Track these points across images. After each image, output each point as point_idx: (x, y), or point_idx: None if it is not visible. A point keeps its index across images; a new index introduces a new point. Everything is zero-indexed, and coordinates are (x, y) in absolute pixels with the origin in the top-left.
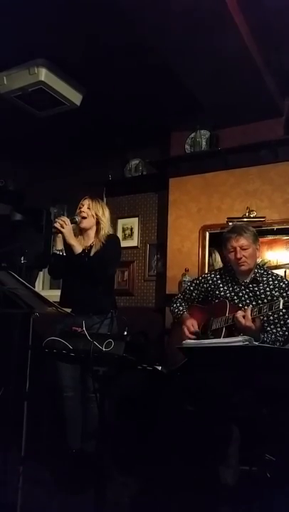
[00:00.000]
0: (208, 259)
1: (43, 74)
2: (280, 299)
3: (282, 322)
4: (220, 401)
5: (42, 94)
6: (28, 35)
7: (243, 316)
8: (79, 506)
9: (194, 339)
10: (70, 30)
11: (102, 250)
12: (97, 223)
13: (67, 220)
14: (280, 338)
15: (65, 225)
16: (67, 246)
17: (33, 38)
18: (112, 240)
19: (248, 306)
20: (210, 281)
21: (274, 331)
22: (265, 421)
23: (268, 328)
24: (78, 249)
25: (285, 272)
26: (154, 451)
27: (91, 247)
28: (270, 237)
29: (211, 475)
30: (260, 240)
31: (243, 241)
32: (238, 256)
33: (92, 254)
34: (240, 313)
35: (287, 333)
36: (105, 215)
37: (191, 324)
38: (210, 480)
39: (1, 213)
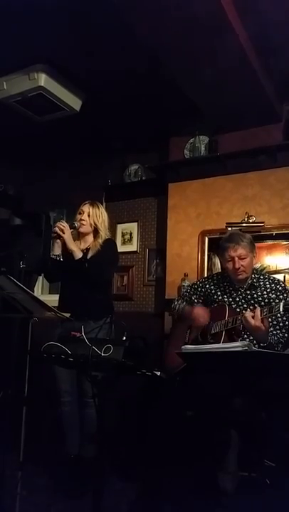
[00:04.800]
0: (208, 264)
1: (43, 79)
2: (281, 301)
3: (281, 324)
4: (219, 406)
5: (41, 99)
6: (28, 41)
7: (252, 317)
8: None
9: (194, 343)
10: (69, 35)
11: (99, 255)
12: (95, 231)
13: (67, 226)
14: (281, 340)
15: (66, 229)
16: (67, 251)
17: (32, 44)
18: (108, 244)
19: (245, 310)
20: (207, 286)
21: (274, 332)
22: (264, 426)
23: (268, 330)
24: (78, 254)
25: (285, 276)
26: (152, 457)
27: (88, 249)
28: (269, 242)
29: (210, 481)
30: (259, 245)
31: (241, 251)
32: (237, 266)
33: (88, 257)
34: (249, 314)
35: (287, 335)
36: (104, 222)
37: (199, 310)
38: (209, 486)
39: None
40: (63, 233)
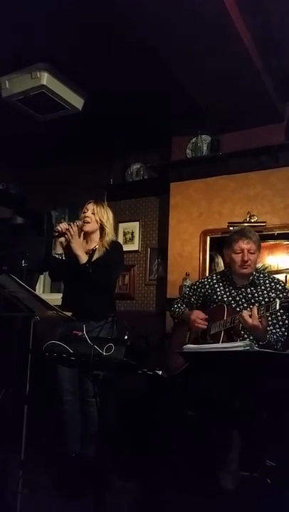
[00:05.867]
0: (211, 264)
1: (45, 78)
2: (277, 299)
3: (280, 323)
4: (220, 406)
5: (44, 98)
6: (30, 40)
7: (250, 316)
8: (78, 511)
9: (197, 342)
10: (72, 34)
11: (105, 258)
12: (101, 228)
13: (76, 230)
14: (281, 339)
15: (74, 235)
16: (73, 254)
17: (34, 42)
18: (115, 247)
19: (245, 309)
20: (207, 286)
21: (274, 331)
22: (265, 426)
23: (268, 329)
24: (83, 259)
25: (286, 276)
26: (153, 456)
27: (94, 250)
28: (271, 242)
29: (211, 481)
30: (261, 244)
31: (251, 245)
32: (246, 258)
33: (94, 258)
34: (246, 313)
35: (286, 333)
36: (109, 221)
37: (198, 314)
38: (210, 486)
39: (2, 216)
40: (72, 238)
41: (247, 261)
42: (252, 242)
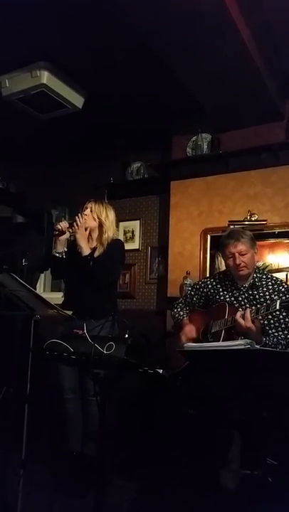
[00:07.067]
0: (213, 262)
1: (45, 77)
2: (277, 300)
3: (283, 326)
4: (221, 405)
5: (44, 97)
6: (30, 38)
7: (242, 317)
8: (79, 509)
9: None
10: (72, 33)
11: (105, 255)
12: (100, 226)
13: (82, 223)
14: (282, 342)
15: (80, 226)
16: (76, 247)
17: (35, 41)
18: (115, 244)
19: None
20: (209, 286)
21: (275, 334)
22: (266, 425)
23: (270, 332)
24: (86, 251)
25: (287, 275)
26: (154, 455)
27: (94, 249)
28: (272, 241)
29: (212, 479)
30: (262, 243)
31: (241, 246)
32: (238, 262)
33: (95, 256)
34: (239, 314)
35: None
36: (109, 218)
37: (189, 330)
38: (211, 484)
39: (2, 215)
40: (77, 229)
41: (239, 264)
42: (241, 244)
